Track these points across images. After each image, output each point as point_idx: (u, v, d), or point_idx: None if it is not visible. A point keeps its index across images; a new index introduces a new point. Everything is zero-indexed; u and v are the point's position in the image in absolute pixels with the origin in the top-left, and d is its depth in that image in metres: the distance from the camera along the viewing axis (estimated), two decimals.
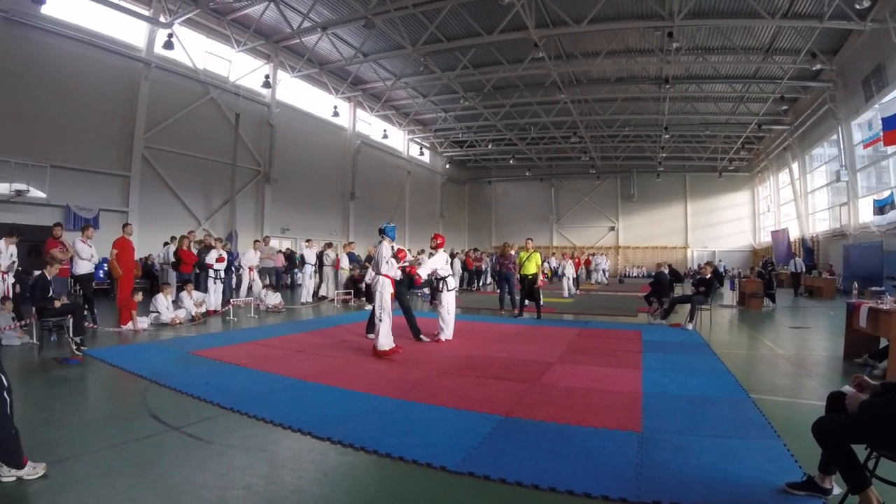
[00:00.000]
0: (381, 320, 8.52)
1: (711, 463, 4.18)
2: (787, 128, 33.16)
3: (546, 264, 26.45)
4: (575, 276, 25.21)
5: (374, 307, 9.38)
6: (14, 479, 3.65)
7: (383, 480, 4.00)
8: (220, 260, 14.54)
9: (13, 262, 10.43)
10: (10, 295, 10.06)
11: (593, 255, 39.19)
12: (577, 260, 28.89)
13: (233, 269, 16.81)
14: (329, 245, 19.97)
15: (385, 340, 8.48)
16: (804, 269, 24.76)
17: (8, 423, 3.70)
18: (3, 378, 3.71)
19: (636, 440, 4.70)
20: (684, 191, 46.75)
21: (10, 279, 10.36)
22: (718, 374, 7.48)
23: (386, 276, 8.80)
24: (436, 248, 10.98)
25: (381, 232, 9.18)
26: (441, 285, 10.63)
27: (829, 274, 25.02)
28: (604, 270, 36.58)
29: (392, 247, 9.17)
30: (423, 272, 10.66)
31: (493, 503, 3.65)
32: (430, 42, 23.41)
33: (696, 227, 46.49)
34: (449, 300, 10.49)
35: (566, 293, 22.11)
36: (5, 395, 3.71)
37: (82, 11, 18.65)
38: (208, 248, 15.04)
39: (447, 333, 10.32)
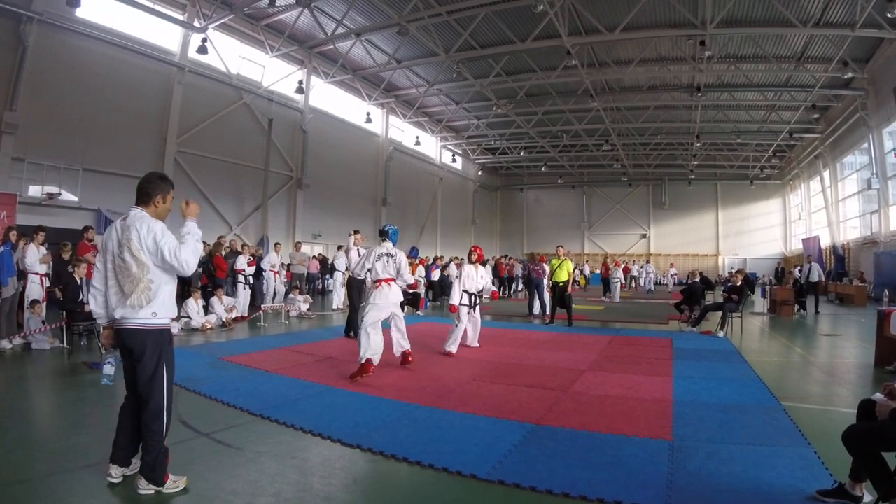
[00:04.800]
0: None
1: (742, 470, 4.21)
2: (818, 136, 32.76)
3: (578, 272, 26.51)
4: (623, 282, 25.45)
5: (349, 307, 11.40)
6: (152, 492, 3.65)
7: (413, 488, 3.99)
8: (250, 264, 14.56)
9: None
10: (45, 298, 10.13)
11: (635, 262, 38.99)
12: (626, 268, 28.98)
13: (263, 274, 16.85)
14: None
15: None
16: (822, 277, 21.47)
17: (159, 443, 3.71)
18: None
19: (667, 448, 4.71)
20: (716, 198, 46.20)
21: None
22: (749, 382, 7.47)
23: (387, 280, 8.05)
24: (476, 261, 10.36)
25: (384, 234, 8.36)
26: (475, 299, 10.13)
27: (861, 281, 24.77)
28: (649, 279, 34.57)
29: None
30: (481, 285, 10.42)
31: None
32: (463, 49, 23.42)
33: (728, 234, 45.94)
34: (477, 310, 10.24)
35: (617, 299, 22.70)
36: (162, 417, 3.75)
37: (117, 15, 18.85)
38: (236, 253, 15.10)
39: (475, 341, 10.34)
